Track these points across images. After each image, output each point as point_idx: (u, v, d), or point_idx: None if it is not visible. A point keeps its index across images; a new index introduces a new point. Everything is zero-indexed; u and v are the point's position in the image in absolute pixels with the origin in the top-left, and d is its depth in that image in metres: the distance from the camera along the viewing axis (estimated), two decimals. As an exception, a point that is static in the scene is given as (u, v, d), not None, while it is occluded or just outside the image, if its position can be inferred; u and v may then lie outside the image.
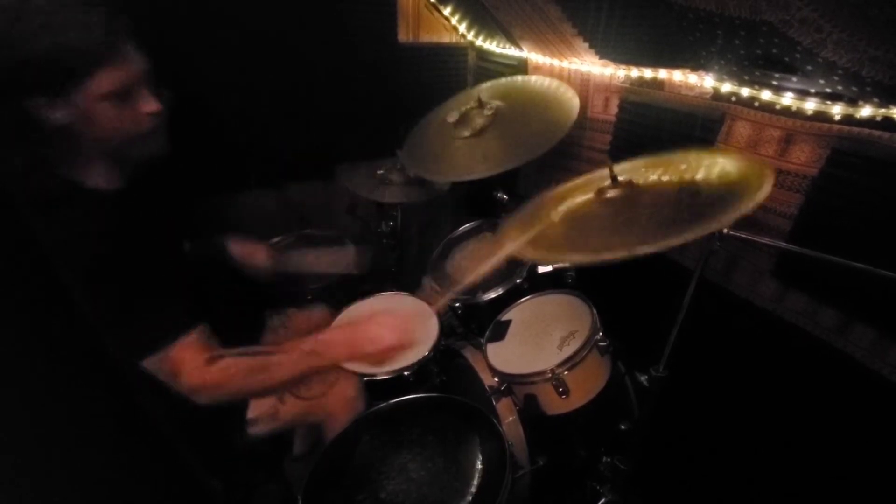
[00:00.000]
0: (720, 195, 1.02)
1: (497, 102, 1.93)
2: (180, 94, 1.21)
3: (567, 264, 1.70)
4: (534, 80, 2.03)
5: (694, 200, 1.05)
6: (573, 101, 1.78)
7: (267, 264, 1.65)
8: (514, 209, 1.89)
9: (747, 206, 0.91)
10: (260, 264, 1.63)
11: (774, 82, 1.30)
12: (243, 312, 1.62)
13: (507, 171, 1.76)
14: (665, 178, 1.19)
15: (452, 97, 2.09)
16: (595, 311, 1.48)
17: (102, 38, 0.95)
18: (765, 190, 0.94)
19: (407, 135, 1.99)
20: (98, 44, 0.95)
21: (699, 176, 1.13)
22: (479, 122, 1.85)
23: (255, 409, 1.35)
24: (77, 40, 0.92)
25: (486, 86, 2.06)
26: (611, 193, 1.19)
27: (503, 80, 2.11)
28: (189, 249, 1.45)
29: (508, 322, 1.65)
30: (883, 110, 1.11)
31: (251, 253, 1.63)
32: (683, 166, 1.19)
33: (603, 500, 1.58)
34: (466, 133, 1.85)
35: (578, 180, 1.38)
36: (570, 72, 2.02)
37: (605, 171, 1.21)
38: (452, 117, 1.89)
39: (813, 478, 1.41)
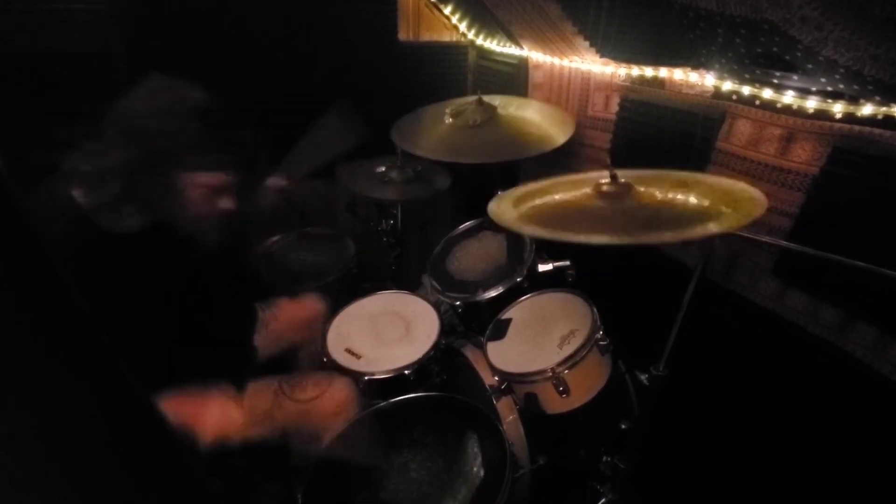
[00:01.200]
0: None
1: (497, 104, 1.95)
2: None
3: (567, 262, 1.70)
4: (534, 104, 2.07)
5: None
6: (567, 127, 1.85)
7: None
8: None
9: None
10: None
11: (775, 80, 1.30)
12: (234, 307, 1.61)
13: (506, 170, 1.77)
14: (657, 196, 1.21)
15: (454, 99, 2.11)
16: (595, 309, 1.48)
17: (222, 153, 1.17)
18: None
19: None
20: (218, 154, 1.17)
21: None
22: (476, 117, 1.87)
23: (249, 414, 1.34)
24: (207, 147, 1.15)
25: (488, 96, 2.09)
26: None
27: (506, 97, 2.13)
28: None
29: (509, 321, 1.64)
30: (884, 108, 1.11)
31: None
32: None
33: (603, 500, 1.58)
34: (460, 122, 1.87)
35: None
36: (571, 70, 2.02)
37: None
38: (451, 109, 1.91)
39: (813, 477, 1.40)
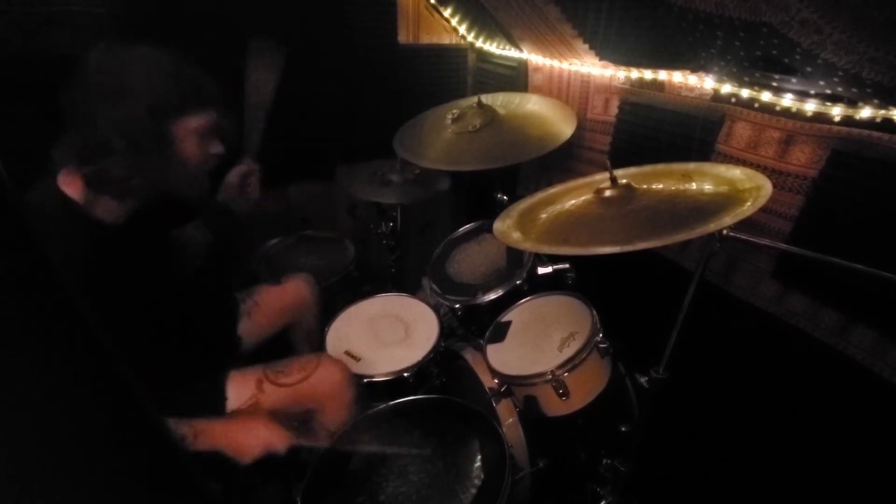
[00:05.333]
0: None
1: (499, 107, 1.95)
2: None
3: (566, 265, 1.70)
4: (535, 99, 2.06)
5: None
6: (570, 120, 1.84)
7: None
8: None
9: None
10: (256, 191, 1.62)
11: (774, 83, 1.30)
12: (215, 299, 1.60)
13: (506, 172, 1.77)
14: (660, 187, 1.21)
15: (454, 101, 2.11)
16: (595, 312, 1.48)
17: (200, 90, 1.20)
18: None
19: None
20: (197, 91, 1.19)
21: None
22: (476, 121, 1.87)
23: (234, 402, 1.34)
24: (185, 86, 1.17)
25: (488, 95, 2.09)
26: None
27: (505, 93, 2.13)
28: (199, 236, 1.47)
29: (508, 323, 1.64)
30: (883, 112, 1.11)
31: (244, 183, 1.61)
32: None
33: (603, 502, 1.58)
34: (462, 129, 1.87)
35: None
36: (570, 73, 2.02)
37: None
38: (452, 114, 1.91)
39: (814, 479, 1.40)
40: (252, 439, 1.22)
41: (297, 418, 1.43)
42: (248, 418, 1.26)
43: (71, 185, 1.13)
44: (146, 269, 1.27)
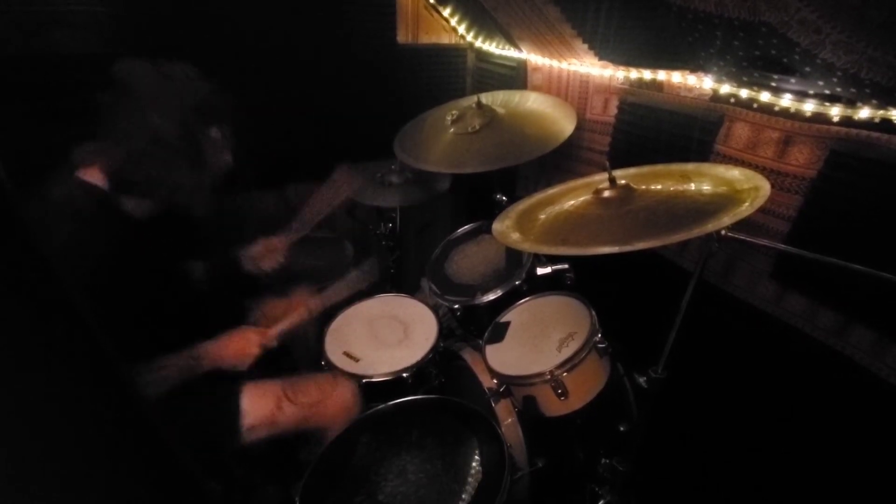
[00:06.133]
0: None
1: (498, 107, 1.95)
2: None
3: (565, 265, 1.70)
4: (534, 96, 2.06)
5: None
6: (570, 116, 1.84)
7: (280, 263, 1.72)
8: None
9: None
10: (273, 265, 1.70)
11: (773, 83, 1.30)
12: (226, 305, 1.62)
13: (505, 173, 1.76)
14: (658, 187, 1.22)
15: (453, 100, 2.11)
16: (594, 312, 1.48)
17: (222, 104, 1.33)
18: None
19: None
20: (220, 104, 1.33)
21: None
22: (475, 122, 1.87)
23: (252, 417, 1.34)
24: (213, 99, 1.30)
25: (488, 94, 2.09)
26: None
27: (505, 91, 2.13)
28: (202, 273, 1.55)
29: (507, 324, 1.64)
30: (881, 112, 1.12)
31: (267, 254, 1.69)
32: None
33: (602, 502, 1.58)
34: (461, 130, 1.87)
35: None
36: (570, 73, 2.02)
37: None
38: (451, 115, 1.91)
39: (812, 480, 1.41)
40: (246, 343, 1.35)
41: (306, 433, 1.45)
42: (234, 330, 1.37)
43: (95, 177, 1.20)
44: (162, 263, 1.33)
